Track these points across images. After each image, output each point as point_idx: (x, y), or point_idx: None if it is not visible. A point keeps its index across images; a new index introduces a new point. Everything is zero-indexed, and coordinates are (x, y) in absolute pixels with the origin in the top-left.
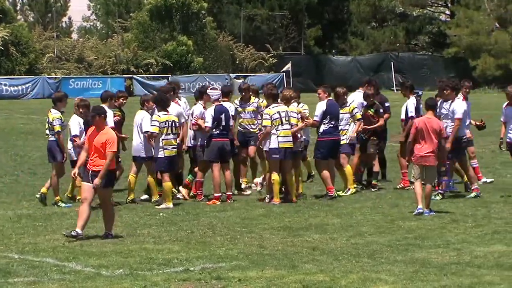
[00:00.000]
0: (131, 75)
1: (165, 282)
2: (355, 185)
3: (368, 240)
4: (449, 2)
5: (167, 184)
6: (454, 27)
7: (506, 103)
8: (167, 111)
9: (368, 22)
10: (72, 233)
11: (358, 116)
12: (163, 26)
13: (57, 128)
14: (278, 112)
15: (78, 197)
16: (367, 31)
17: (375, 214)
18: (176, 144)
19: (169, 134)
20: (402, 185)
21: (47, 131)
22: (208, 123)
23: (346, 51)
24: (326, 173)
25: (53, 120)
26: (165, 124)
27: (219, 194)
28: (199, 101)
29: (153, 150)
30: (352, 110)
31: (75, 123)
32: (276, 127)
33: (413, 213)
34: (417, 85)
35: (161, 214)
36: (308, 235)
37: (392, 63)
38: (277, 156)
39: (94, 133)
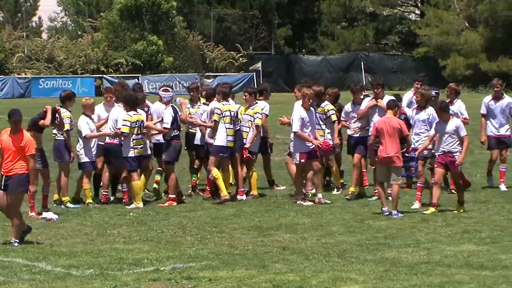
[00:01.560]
0: (101, 75)
1: (135, 282)
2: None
3: (338, 240)
4: (419, 2)
5: (136, 183)
6: (424, 27)
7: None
8: (137, 111)
9: (338, 22)
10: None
11: (334, 118)
12: (133, 26)
13: (67, 126)
14: (229, 111)
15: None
16: (337, 31)
17: (345, 214)
18: (143, 143)
19: (138, 134)
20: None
21: (54, 130)
22: (168, 124)
23: (316, 51)
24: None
25: (63, 118)
26: (136, 124)
27: (174, 195)
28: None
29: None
30: (327, 112)
31: (84, 123)
32: (225, 124)
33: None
34: (386, 85)
35: (131, 214)
36: (278, 235)
37: (362, 63)
38: (224, 154)
39: (9, 137)
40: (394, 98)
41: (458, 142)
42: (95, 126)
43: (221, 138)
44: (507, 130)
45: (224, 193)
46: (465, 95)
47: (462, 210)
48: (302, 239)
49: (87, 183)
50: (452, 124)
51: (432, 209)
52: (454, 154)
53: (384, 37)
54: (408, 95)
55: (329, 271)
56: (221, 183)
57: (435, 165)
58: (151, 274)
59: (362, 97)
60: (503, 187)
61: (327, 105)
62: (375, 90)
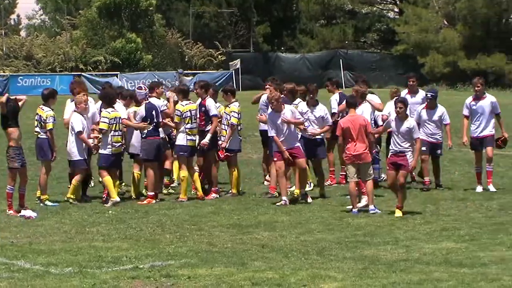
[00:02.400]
0: (79, 73)
1: (114, 280)
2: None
3: (317, 237)
4: None
5: (107, 179)
6: (403, 25)
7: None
8: (114, 108)
9: (317, 19)
10: None
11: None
12: (111, 24)
13: (50, 126)
14: (190, 111)
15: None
16: (316, 28)
17: (324, 211)
18: (122, 141)
19: (117, 131)
20: (330, 182)
21: (37, 129)
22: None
23: (295, 49)
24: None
25: (46, 117)
26: (114, 120)
27: (153, 193)
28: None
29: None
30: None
31: (78, 120)
32: (185, 124)
33: (351, 213)
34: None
35: (110, 211)
36: (257, 233)
37: (341, 60)
38: (185, 153)
39: None
40: (353, 95)
41: (410, 143)
42: (85, 123)
43: (181, 138)
44: (490, 130)
45: (182, 196)
46: (443, 93)
47: (400, 215)
48: (281, 237)
49: (78, 180)
50: (406, 124)
51: (399, 212)
52: (406, 153)
53: (363, 35)
54: (402, 94)
55: (308, 269)
56: (184, 185)
57: (387, 167)
58: (130, 272)
59: (338, 93)
60: (491, 188)
61: (300, 103)
62: (360, 86)
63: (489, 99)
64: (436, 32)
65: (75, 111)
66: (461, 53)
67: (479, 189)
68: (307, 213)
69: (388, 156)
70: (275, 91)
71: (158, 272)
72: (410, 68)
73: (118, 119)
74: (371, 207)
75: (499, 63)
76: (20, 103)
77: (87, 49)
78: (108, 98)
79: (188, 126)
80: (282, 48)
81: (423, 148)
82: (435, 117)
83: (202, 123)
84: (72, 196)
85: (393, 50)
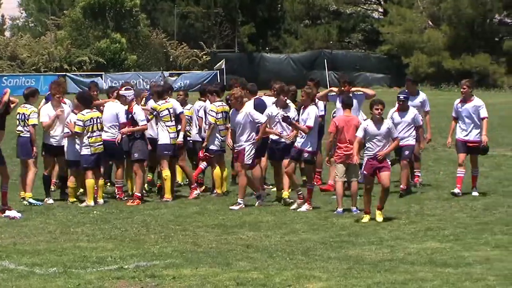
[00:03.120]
0: (64, 73)
1: (99, 280)
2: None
3: (302, 237)
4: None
5: (90, 181)
6: (387, 25)
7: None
8: (91, 109)
9: (301, 20)
10: None
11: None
12: (96, 24)
13: (34, 121)
14: (168, 109)
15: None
16: (300, 29)
17: (309, 212)
18: (101, 140)
19: (94, 131)
20: (315, 183)
21: (19, 127)
22: (145, 120)
23: (280, 49)
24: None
25: (30, 113)
26: (90, 121)
27: (140, 194)
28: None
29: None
30: None
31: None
32: (165, 123)
33: (334, 212)
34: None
35: (94, 212)
36: (242, 233)
37: (325, 60)
38: (169, 152)
39: None
40: (350, 95)
41: (388, 144)
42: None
43: (164, 137)
44: (476, 135)
45: (168, 195)
46: (428, 93)
47: (382, 216)
48: (265, 237)
49: (73, 182)
50: (385, 125)
51: (367, 217)
52: (386, 157)
53: (348, 35)
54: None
55: (292, 269)
56: (168, 185)
57: (365, 171)
58: (114, 272)
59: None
60: (474, 193)
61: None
62: (343, 88)
63: (474, 102)
64: (421, 32)
65: (73, 111)
66: (445, 53)
67: (457, 190)
68: (291, 213)
69: (365, 161)
70: (241, 90)
71: (143, 273)
72: (395, 69)
73: (95, 119)
74: (354, 208)
75: (484, 63)
76: (12, 105)
77: (71, 49)
78: (83, 99)
79: (169, 124)
80: (267, 48)
81: None
82: (408, 119)
83: None
84: (73, 200)
85: (378, 51)
